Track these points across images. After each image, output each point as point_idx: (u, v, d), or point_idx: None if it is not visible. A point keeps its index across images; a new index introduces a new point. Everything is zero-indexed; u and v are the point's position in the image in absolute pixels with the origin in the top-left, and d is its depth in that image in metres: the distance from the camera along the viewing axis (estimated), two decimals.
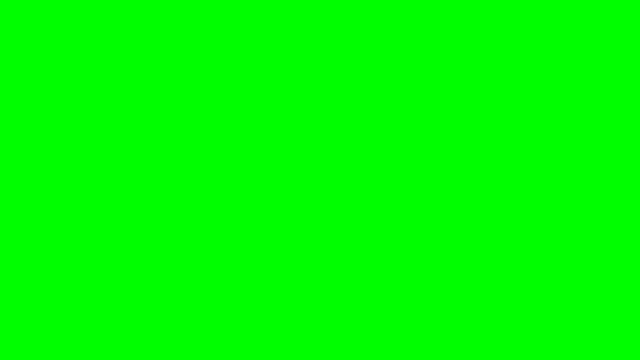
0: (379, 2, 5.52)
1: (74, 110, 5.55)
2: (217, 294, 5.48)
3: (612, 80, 5.46)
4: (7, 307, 5.47)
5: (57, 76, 5.55)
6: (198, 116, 5.54)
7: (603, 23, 5.46)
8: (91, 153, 5.52)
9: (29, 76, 5.55)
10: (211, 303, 5.48)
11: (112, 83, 5.55)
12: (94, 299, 5.48)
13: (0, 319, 5.46)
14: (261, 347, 5.46)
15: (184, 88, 5.55)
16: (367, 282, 5.46)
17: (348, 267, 5.47)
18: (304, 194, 5.50)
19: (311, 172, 5.50)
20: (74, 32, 5.56)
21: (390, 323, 5.43)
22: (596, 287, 5.39)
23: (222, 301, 5.48)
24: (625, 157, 5.43)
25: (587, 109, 5.46)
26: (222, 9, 5.56)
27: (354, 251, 5.47)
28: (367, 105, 5.52)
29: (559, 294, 5.40)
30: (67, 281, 5.48)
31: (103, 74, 5.56)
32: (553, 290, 5.40)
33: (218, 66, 5.55)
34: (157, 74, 5.55)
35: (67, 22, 5.56)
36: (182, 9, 5.56)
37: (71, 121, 5.54)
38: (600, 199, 5.42)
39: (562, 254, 5.42)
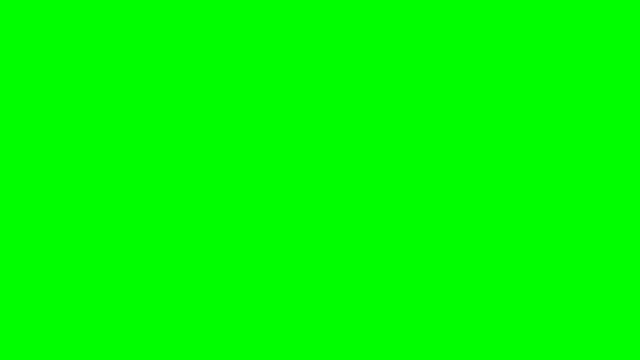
0: (379, 2, 5.52)
1: (74, 111, 5.55)
2: (217, 294, 5.48)
3: (612, 80, 5.46)
4: (7, 307, 5.47)
5: (57, 76, 5.56)
6: (198, 116, 5.54)
7: (603, 23, 5.46)
8: (91, 153, 5.53)
9: (29, 76, 5.55)
10: (211, 303, 5.48)
11: (112, 83, 5.55)
12: (94, 299, 5.48)
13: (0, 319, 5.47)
14: (261, 347, 5.46)
15: (184, 88, 5.56)
16: (367, 282, 5.46)
17: (347, 267, 5.48)
18: (304, 194, 5.50)
19: (311, 172, 5.51)
20: (74, 32, 5.57)
21: (390, 323, 5.44)
22: (596, 287, 5.40)
23: (222, 301, 5.48)
24: (625, 157, 5.43)
25: (587, 109, 5.47)
26: (222, 9, 5.56)
27: (354, 251, 5.48)
28: (367, 105, 5.52)
29: (559, 294, 5.41)
30: (67, 281, 5.48)
31: (103, 74, 5.56)
32: (553, 290, 5.41)
33: (218, 66, 5.56)
34: (157, 74, 5.55)
35: (67, 22, 5.57)
36: (182, 9, 5.56)
37: (71, 121, 5.55)
38: (600, 199, 5.43)
39: (562, 254, 5.42)
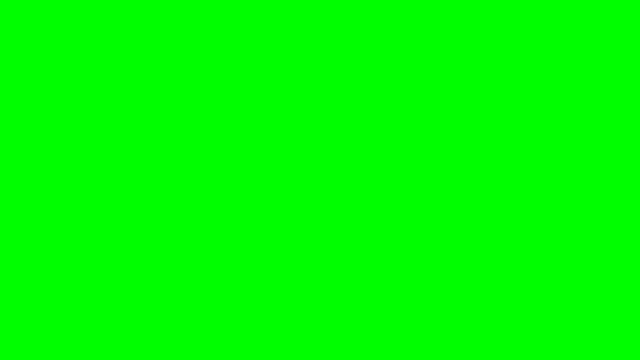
0: (379, 2, 5.52)
1: (74, 110, 5.56)
2: (217, 294, 5.48)
3: (612, 80, 5.46)
4: (7, 307, 5.47)
5: (57, 76, 5.56)
6: (198, 116, 5.55)
7: (603, 23, 5.47)
8: (91, 153, 5.53)
9: (29, 76, 5.56)
10: (211, 303, 5.48)
11: (112, 83, 5.56)
12: (94, 299, 5.48)
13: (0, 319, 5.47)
14: (261, 347, 5.46)
15: (184, 88, 5.56)
16: (367, 282, 5.46)
17: (347, 267, 5.48)
18: (304, 194, 5.50)
19: (311, 172, 5.51)
20: (74, 32, 5.57)
21: (390, 323, 5.44)
22: (596, 287, 5.40)
23: (222, 301, 5.48)
24: (625, 157, 5.43)
25: (587, 109, 5.47)
26: (222, 9, 5.56)
27: (354, 251, 5.48)
28: (367, 105, 5.52)
29: (559, 294, 5.41)
30: (67, 281, 5.48)
31: (103, 74, 5.56)
32: (553, 290, 5.41)
33: (218, 66, 5.56)
34: (157, 74, 5.56)
35: (67, 22, 5.57)
36: (182, 9, 5.56)
37: (71, 121, 5.55)
38: (600, 199, 5.43)
39: (562, 254, 5.43)
